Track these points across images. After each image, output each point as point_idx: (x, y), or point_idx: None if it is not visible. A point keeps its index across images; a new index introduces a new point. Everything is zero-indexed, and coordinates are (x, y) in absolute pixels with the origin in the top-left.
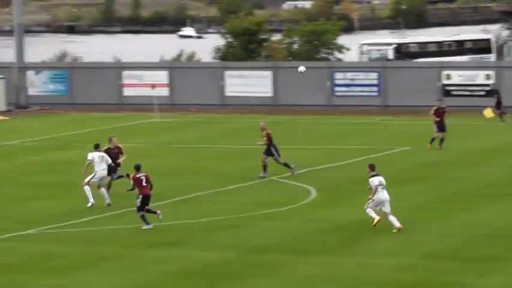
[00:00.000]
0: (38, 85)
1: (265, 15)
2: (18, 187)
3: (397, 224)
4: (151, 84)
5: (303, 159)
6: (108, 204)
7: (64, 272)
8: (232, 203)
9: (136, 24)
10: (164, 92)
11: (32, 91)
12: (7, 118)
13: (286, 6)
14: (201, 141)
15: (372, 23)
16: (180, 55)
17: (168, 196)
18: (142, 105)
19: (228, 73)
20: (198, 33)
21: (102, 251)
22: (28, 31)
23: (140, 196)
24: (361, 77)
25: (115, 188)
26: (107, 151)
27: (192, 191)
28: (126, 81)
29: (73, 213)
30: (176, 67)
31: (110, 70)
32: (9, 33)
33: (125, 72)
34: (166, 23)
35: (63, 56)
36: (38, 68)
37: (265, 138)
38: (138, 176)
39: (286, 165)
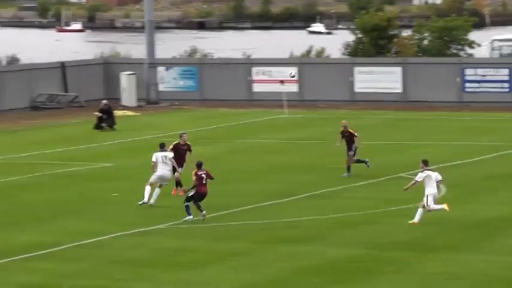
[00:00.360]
0: (168, 81)
1: (395, 11)
2: (146, 182)
3: (416, 218)
4: (280, 80)
5: (433, 156)
6: (149, 204)
7: (192, 267)
8: (362, 199)
9: (266, 21)
10: (293, 88)
11: (162, 87)
12: (138, 114)
13: (416, 1)
14: (330, 137)
15: (503, 19)
16: (309, 51)
17: (297, 192)
18: (272, 101)
19: (357, 69)
20: (327, 29)
21: (230, 246)
22: (159, 27)
23: (194, 191)
24: (492, 73)
25: None
26: (176, 147)
27: (320, 187)
28: (255, 78)
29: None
30: (305, 63)
31: (239, 66)
32: (140, 29)
33: (254, 69)
34: (295, 19)
35: (193, 52)
36: (169, 64)
37: (356, 135)
38: (199, 173)
39: (349, 168)
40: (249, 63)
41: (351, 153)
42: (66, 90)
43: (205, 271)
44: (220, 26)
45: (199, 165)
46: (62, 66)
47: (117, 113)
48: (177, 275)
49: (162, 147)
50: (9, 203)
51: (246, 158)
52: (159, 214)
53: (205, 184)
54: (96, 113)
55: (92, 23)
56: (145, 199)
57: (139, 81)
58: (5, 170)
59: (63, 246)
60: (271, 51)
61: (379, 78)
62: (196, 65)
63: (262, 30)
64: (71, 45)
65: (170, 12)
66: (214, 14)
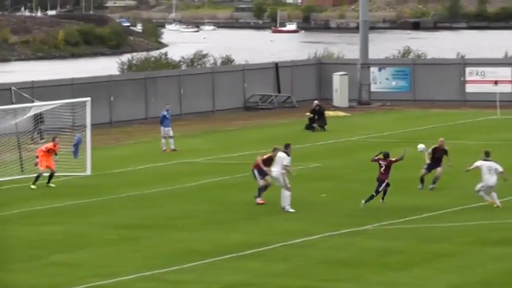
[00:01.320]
0: (380, 81)
1: None
2: (355, 182)
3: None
4: (493, 81)
5: None
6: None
7: (399, 269)
8: None
9: (482, 20)
10: (507, 88)
11: (374, 87)
12: (349, 114)
13: None
14: None
15: None
16: None
17: (509, 193)
18: (485, 102)
19: None
20: None
21: (437, 248)
22: (373, 28)
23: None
24: None
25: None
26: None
27: None
28: (468, 78)
29: (408, 209)
30: None
31: (452, 67)
32: (354, 30)
33: (468, 69)
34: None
35: (406, 52)
36: (381, 64)
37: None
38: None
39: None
40: (462, 63)
41: None
42: (279, 91)
43: (411, 272)
44: (435, 26)
45: (386, 156)
46: (276, 66)
47: (329, 113)
48: (384, 276)
49: (488, 155)
50: (218, 203)
51: (463, 159)
52: (365, 215)
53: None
54: (308, 114)
55: (306, 24)
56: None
57: (352, 81)
58: (216, 169)
59: (270, 246)
60: (486, 52)
61: None
62: (408, 66)
63: (478, 30)
64: (285, 45)
65: (385, 13)
66: (429, 14)
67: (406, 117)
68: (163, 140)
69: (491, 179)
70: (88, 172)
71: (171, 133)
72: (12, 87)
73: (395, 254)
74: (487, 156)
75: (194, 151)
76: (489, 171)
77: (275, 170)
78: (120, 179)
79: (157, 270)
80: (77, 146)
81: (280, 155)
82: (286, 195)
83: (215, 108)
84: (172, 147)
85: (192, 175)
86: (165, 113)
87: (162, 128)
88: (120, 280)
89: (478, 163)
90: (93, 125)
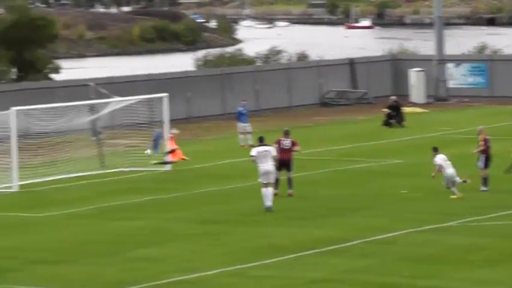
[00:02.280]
0: (457, 77)
1: None
2: (437, 179)
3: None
4: None
5: None
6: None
7: (484, 266)
8: None
9: None
10: None
11: (451, 83)
12: (426, 110)
13: None
14: None
15: None
16: None
17: None
18: None
19: None
20: None
21: None
22: (448, 23)
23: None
24: None
25: None
26: None
27: None
28: None
29: (493, 207)
30: None
31: None
32: (429, 26)
33: None
34: None
35: (482, 48)
36: (457, 60)
37: (482, 143)
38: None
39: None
40: None
41: None
42: (355, 87)
43: (497, 270)
44: (511, 22)
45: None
46: (351, 62)
47: (406, 109)
48: (469, 273)
49: (437, 150)
50: (298, 199)
51: None
52: (448, 212)
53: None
54: (385, 110)
55: (380, 20)
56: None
57: (428, 77)
58: (296, 165)
59: (352, 242)
60: None
61: None
62: (485, 61)
63: None
64: (359, 41)
65: (459, 9)
66: (504, 10)
67: (485, 113)
68: (241, 136)
69: (451, 170)
70: (168, 167)
71: (248, 129)
72: (91, 83)
73: (480, 251)
74: (437, 151)
75: None
76: (447, 163)
77: (267, 164)
78: (200, 174)
79: (239, 266)
80: (157, 141)
81: (268, 148)
82: (272, 192)
83: (291, 104)
84: (250, 142)
85: None
86: (241, 108)
87: (239, 123)
88: (203, 275)
89: (439, 161)
90: (170, 121)
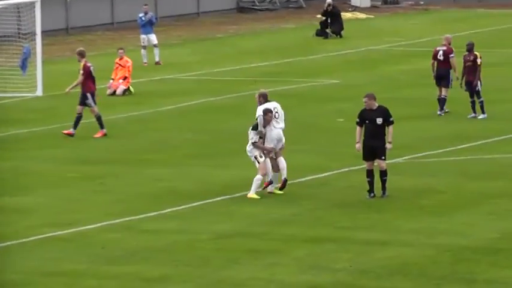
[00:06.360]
0: None
1: None
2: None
3: None
4: None
5: None
6: None
7: (437, 213)
8: None
9: None
10: None
11: None
12: (372, 16)
13: None
14: None
15: None
16: None
17: None
18: None
19: None
20: None
21: (486, 186)
22: None
23: None
24: None
25: None
26: None
27: None
28: None
29: (449, 138)
30: None
31: None
32: None
33: None
34: None
35: None
36: None
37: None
38: None
39: None
40: None
41: None
42: None
43: (453, 218)
44: None
45: None
46: None
47: (346, 15)
48: (417, 222)
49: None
50: (206, 131)
51: None
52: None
53: None
54: (319, 16)
55: None
56: None
57: None
58: (203, 88)
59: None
60: None
61: None
62: None
63: None
64: None
65: None
66: None
67: (445, 19)
68: (142, 51)
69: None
70: (39, 92)
71: (154, 41)
72: None
73: (433, 195)
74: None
75: (175, 65)
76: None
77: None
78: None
79: (128, 217)
80: (25, 60)
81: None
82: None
83: (199, 10)
84: (157, 59)
85: (173, 95)
86: (142, 15)
87: (141, 35)
88: (82, 230)
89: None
90: (44, 33)
